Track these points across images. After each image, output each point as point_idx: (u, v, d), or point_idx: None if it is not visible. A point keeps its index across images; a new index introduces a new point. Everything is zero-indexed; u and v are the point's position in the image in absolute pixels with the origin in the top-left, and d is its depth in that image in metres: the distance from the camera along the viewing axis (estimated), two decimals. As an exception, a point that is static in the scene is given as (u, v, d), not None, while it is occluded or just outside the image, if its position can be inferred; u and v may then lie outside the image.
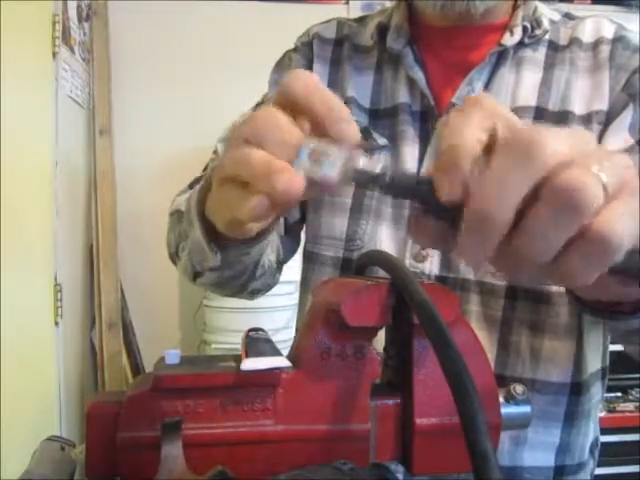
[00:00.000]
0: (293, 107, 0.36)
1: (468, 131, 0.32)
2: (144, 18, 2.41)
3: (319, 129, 0.35)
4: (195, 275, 0.65)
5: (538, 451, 0.67)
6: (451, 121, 0.33)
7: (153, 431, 0.36)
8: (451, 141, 0.32)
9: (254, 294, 0.77)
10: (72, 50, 2.04)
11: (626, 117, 0.66)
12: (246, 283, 0.69)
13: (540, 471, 0.67)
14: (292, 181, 0.33)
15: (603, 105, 0.67)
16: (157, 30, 2.43)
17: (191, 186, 0.74)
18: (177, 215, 0.68)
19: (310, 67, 0.78)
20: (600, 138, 0.66)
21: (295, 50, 0.81)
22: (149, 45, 2.42)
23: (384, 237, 0.71)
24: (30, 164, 1.67)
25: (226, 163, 0.37)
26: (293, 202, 0.34)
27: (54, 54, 1.87)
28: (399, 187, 0.34)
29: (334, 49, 0.79)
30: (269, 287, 0.79)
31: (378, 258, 0.43)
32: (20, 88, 1.57)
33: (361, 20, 0.82)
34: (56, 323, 1.83)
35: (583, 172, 0.28)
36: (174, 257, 0.72)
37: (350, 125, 0.35)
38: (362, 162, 0.34)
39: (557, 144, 0.29)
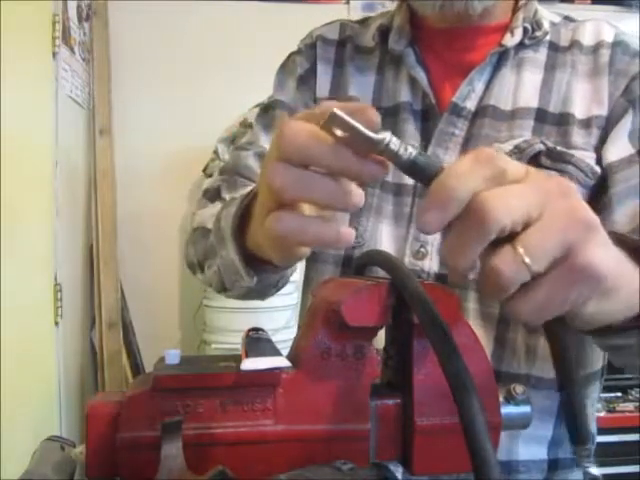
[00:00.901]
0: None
1: (470, 180, 0.32)
2: (144, 18, 2.41)
3: None
4: (223, 289, 0.68)
5: (532, 444, 0.68)
6: (460, 164, 0.33)
7: (153, 431, 0.36)
8: (450, 182, 0.32)
9: (267, 296, 0.79)
10: (72, 50, 2.04)
11: (625, 124, 0.66)
12: (268, 291, 0.71)
13: (535, 464, 0.68)
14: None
15: (602, 110, 0.68)
16: (157, 30, 2.43)
17: (211, 199, 0.75)
18: (201, 231, 0.70)
19: (314, 69, 0.80)
20: (600, 143, 0.67)
21: (299, 52, 0.82)
22: (149, 45, 2.42)
23: (384, 235, 0.71)
24: (30, 164, 1.67)
25: (285, 189, 0.36)
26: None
27: (54, 54, 1.87)
28: (415, 169, 0.34)
29: (337, 50, 0.80)
30: (280, 288, 0.80)
31: (378, 258, 0.43)
32: (20, 88, 1.57)
33: (363, 22, 0.84)
34: (56, 323, 1.83)
35: (509, 259, 0.32)
36: (194, 267, 0.74)
37: (370, 110, 0.35)
38: (388, 137, 0.34)
39: (506, 215, 0.31)
